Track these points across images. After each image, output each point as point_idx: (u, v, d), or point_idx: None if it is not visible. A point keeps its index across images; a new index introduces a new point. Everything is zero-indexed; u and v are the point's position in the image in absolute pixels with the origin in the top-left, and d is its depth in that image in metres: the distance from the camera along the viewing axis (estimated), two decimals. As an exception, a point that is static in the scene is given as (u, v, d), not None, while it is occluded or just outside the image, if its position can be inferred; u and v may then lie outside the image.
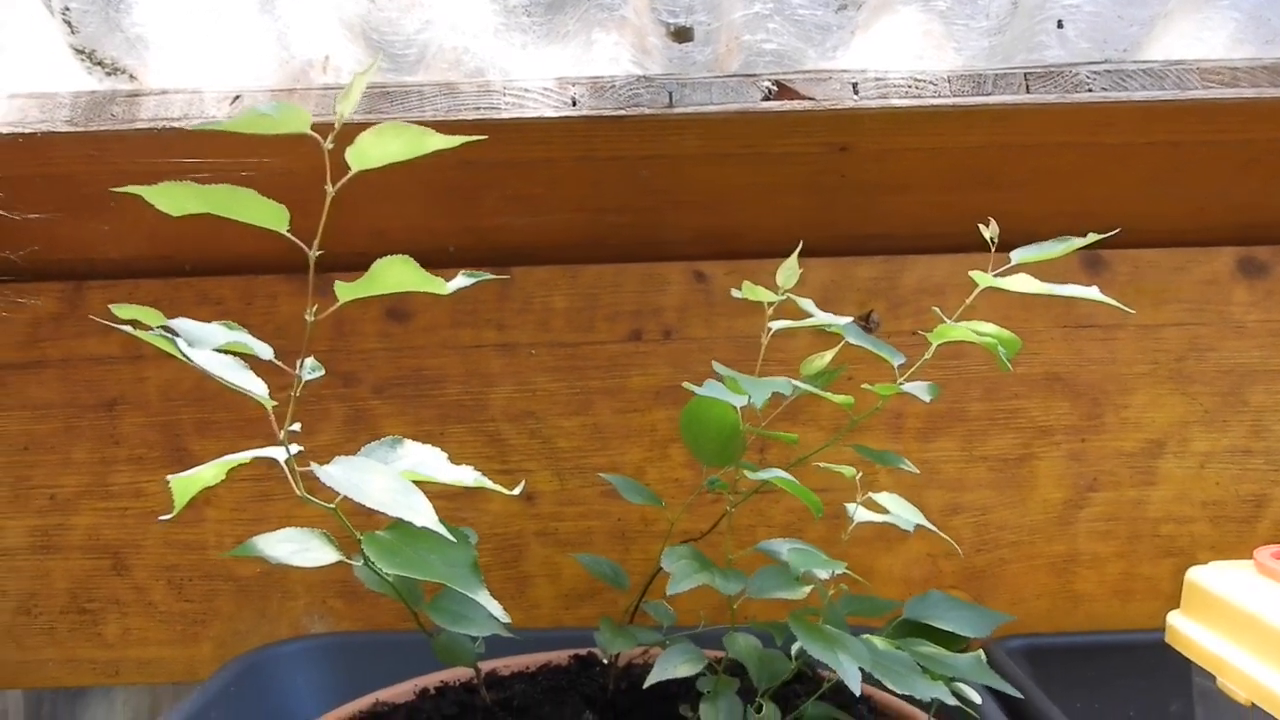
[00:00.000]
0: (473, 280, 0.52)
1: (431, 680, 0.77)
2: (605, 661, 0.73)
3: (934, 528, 0.54)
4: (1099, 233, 0.81)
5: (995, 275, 0.66)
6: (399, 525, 0.57)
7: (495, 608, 0.56)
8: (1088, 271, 0.88)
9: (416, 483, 0.53)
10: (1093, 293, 0.62)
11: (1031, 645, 0.80)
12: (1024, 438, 0.89)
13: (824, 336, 0.72)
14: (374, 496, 0.51)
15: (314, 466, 0.50)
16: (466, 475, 0.59)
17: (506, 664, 0.80)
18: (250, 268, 0.89)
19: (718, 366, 0.59)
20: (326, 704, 0.74)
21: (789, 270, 0.62)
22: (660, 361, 0.89)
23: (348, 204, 0.85)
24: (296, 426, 0.51)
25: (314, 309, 0.49)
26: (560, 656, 0.79)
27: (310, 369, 0.53)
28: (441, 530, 0.50)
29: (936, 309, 0.69)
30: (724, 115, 0.73)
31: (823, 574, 0.58)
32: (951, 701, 0.54)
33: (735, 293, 0.62)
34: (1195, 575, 0.57)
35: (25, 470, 0.89)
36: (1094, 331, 0.89)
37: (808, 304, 0.63)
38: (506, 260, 0.89)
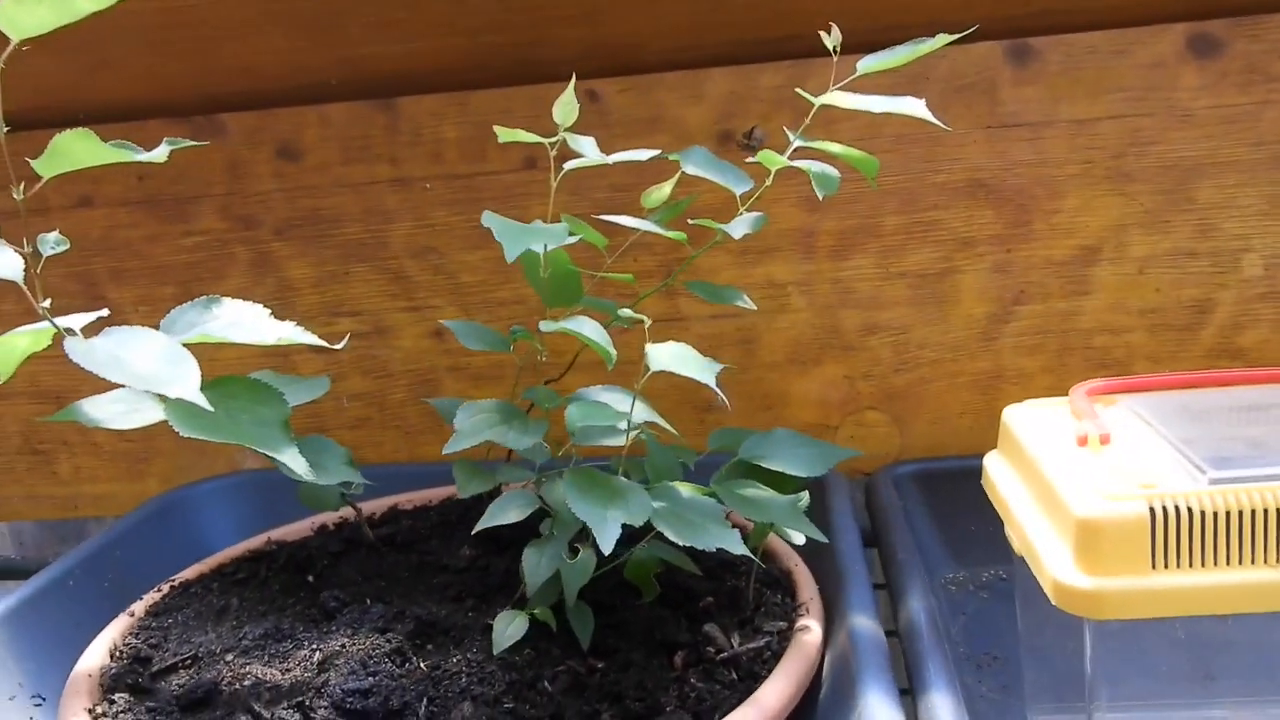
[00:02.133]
0: (173, 147, 0.49)
1: (331, 517, 0.79)
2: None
3: (716, 388, 0.51)
4: (1023, 18, 0.73)
5: (836, 89, 0.60)
6: (217, 382, 0.57)
7: (299, 465, 0.56)
8: (1013, 64, 0.80)
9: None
10: (917, 108, 0.56)
11: (923, 469, 0.78)
12: (944, 250, 0.84)
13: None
14: (136, 370, 0.51)
15: (67, 341, 0.50)
16: (282, 331, 0.58)
17: (410, 499, 0.82)
18: (140, 113, 0.87)
19: (487, 217, 0.55)
20: (237, 539, 0.78)
21: (566, 106, 0.58)
22: (559, 189, 0.85)
23: (211, 43, 0.83)
24: (48, 303, 0.51)
25: (21, 186, 0.48)
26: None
27: (54, 244, 0.52)
28: (201, 400, 0.50)
29: (784, 129, 0.64)
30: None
31: (621, 423, 0.57)
32: (739, 550, 0.53)
33: (501, 135, 0.58)
34: (1009, 414, 0.54)
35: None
36: (1020, 131, 0.81)
37: (585, 142, 0.59)
38: (391, 90, 0.85)
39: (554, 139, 0.59)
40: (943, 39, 0.58)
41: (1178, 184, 0.81)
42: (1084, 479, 0.44)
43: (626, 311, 0.56)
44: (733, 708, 0.52)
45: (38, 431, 0.94)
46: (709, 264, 0.85)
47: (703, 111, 0.83)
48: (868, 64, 0.60)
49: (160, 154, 0.48)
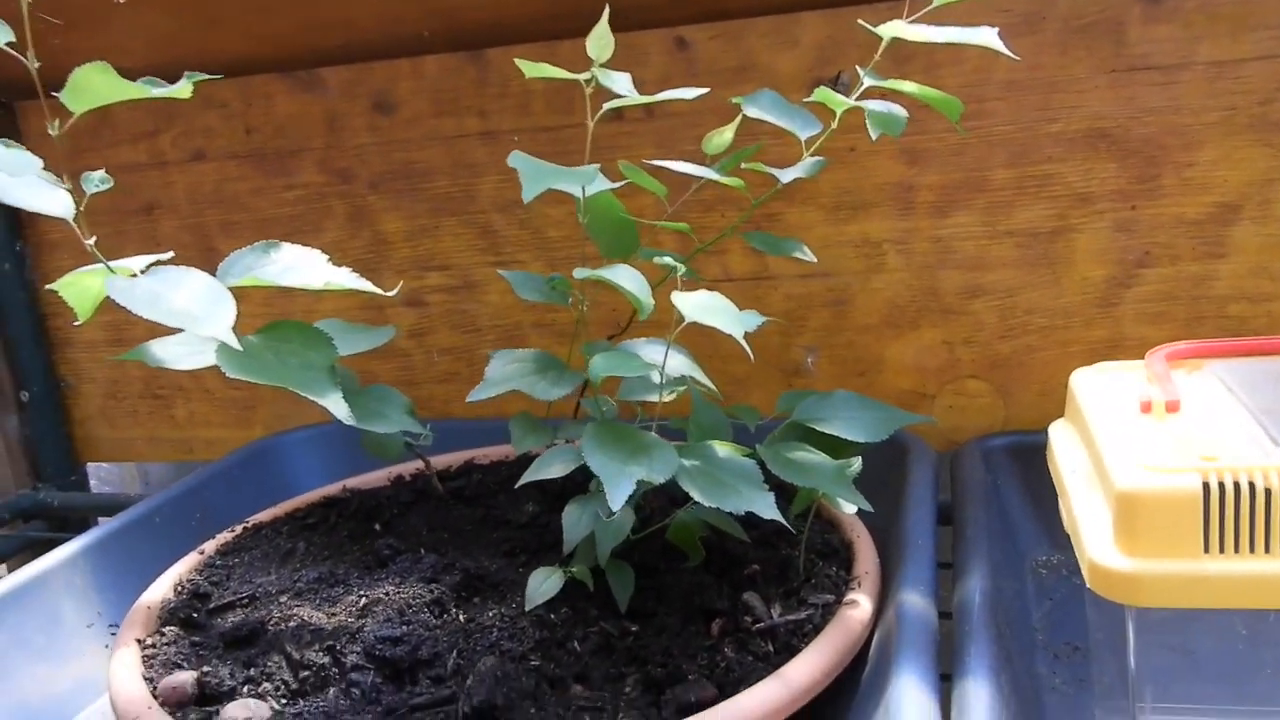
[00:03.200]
0: (192, 80, 0.49)
1: (408, 468, 0.80)
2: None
3: (742, 341, 0.48)
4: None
5: (910, 21, 0.55)
6: (272, 326, 0.58)
7: (340, 409, 0.56)
8: (1143, 0, 0.72)
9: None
10: (988, 37, 0.50)
11: (1018, 442, 0.71)
12: (1059, 207, 0.77)
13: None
14: (172, 307, 0.51)
15: (108, 280, 0.51)
16: (331, 275, 0.58)
17: (487, 454, 0.82)
18: (246, 68, 0.90)
19: (514, 157, 0.53)
20: (319, 484, 0.79)
21: (600, 40, 0.55)
22: (644, 141, 0.83)
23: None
24: (92, 240, 0.52)
25: (56, 123, 0.49)
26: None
27: (98, 182, 0.53)
28: (233, 341, 0.50)
29: (857, 67, 0.59)
30: None
31: (654, 375, 0.54)
32: (769, 515, 0.49)
33: (527, 70, 0.55)
34: (1077, 377, 0.48)
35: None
36: (1151, 75, 0.73)
37: (621, 78, 0.56)
38: (482, 41, 0.84)
39: (587, 76, 0.56)
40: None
41: (1335, 133, 0.71)
42: (1137, 449, 0.38)
43: (666, 258, 0.53)
44: (759, 680, 0.49)
45: (158, 377, 0.98)
46: (800, 220, 0.81)
47: (796, 58, 0.79)
48: (942, -6, 0.54)
49: (182, 89, 0.48)
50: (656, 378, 0.54)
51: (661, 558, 0.60)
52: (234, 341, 0.51)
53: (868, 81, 0.57)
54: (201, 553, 0.69)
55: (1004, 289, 0.79)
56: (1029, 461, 0.71)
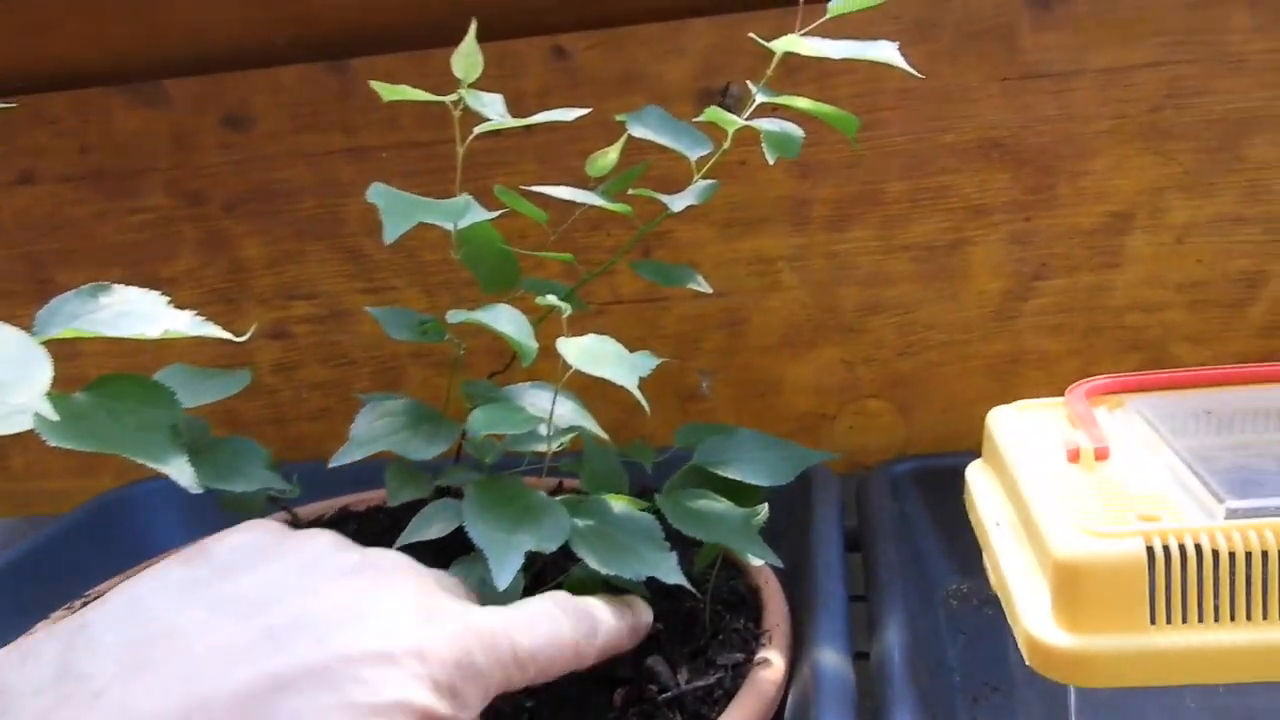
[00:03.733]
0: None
1: (281, 518, 0.73)
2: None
3: (636, 391, 0.43)
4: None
5: (803, 33, 0.51)
6: (104, 381, 0.51)
7: (184, 476, 0.49)
8: (1036, 6, 0.70)
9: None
10: (888, 52, 0.47)
11: (925, 466, 0.69)
12: (955, 220, 0.74)
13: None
14: (-24, 369, 0.44)
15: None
16: (172, 322, 0.51)
17: (364, 499, 0.76)
18: (79, 81, 0.81)
19: (374, 190, 0.48)
20: (176, 542, 0.72)
21: (467, 58, 0.50)
22: (524, 158, 0.78)
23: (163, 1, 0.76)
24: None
25: None
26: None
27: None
28: (47, 410, 0.43)
29: (749, 82, 0.55)
30: None
31: (542, 428, 0.49)
32: (673, 580, 0.45)
33: (384, 94, 0.50)
34: (995, 417, 0.45)
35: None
36: (1043, 83, 0.71)
37: (492, 100, 0.51)
38: (344, 51, 0.78)
39: (454, 97, 0.51)
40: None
41: (1224, 141, 0.70)
42: (1070, 506, 0.35)
43: (550, 297, 0.48)
44: (667, 759, 0.45)
45: (-8, 422, 0.89)
46: (691, 237, 0.77)
47: (682, 67, 0.75)
48: (840, 3, 0.51)
49: None
50: (543, 429, 0.49)
51: (556, 618, 0.55)
52: (48, 411, 0.44)
53: (760, 98, 0.54)
54: (33, 635, 0.61)
55: (903, 305, 0.76)
56: (935, 486, 0.69)
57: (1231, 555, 0.31)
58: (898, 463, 0.71)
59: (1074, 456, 0.37)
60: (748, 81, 0.55)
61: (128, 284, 0.47)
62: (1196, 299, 0.73)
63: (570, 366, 0.46)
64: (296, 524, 0.67)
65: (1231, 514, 0.32)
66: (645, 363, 0.45)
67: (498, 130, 0.68)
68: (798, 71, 0.73)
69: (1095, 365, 0.75)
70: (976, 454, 0.72)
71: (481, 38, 0.77)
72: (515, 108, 0.77)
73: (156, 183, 0.82)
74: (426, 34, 0.77)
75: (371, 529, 0.70)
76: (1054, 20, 0.70)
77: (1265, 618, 0.31)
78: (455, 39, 0.77)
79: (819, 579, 0.55)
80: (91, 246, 0.84)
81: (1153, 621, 0.32)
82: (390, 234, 0.44)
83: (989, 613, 0.63)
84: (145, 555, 0.71)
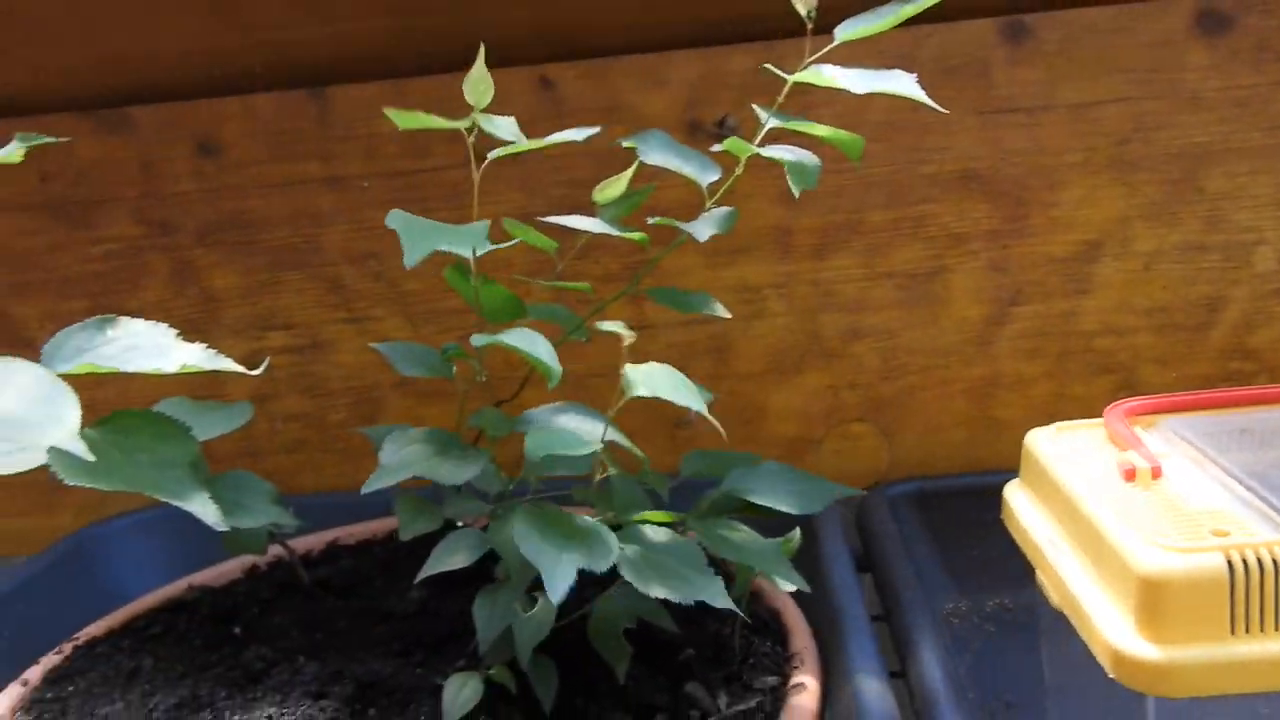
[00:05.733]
0: (26, 145, 0.41)
1: (263, 557, 0.71)
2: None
3: (707, 413, 0.44)
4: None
5: (808, 65, 0.53)
6: (114, 417, 0.49)
7: (208, 513, 0.47)
8: (1008, 43, 0.73)
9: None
10: (907, 85, 0.48)
11: (918, 489, 0.71)
12: (935, 248, 0.77)
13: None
14: (2, 412, 0.42)
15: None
16: (188, 356, 0.50)
17: (351, 532, 0.74)
18: (36, 107, 0.78)
19: (393, 216, 0.48)
20: (160, 582, 0.69)
21: (478, 83, 0.50)
22: (509, 186, 0.77)
23: (123, 27, 0.74)
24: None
25: None
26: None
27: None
28: (79, 449, 0.42)
29: (756, 106, 0.57)
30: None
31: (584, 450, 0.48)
32: (723, 605, 0.45)
33: (399, 121, 0.50)
34: (1034, 439, 0.47)
35: None
36: (1016, 117, 0.74)
37: (503, 123, 0.51)
38: (321, 79, 0.77)
39: (468, 123, 0.51)
40: (925, 2, 0.50)
41: (1186, 172, 0.74)
42: (1139, 523, 0.36)
43: (610, 325, 0.48)
44: (720, 787, 0.45)
45: (-65, 463, 0.84)
46: (677, 265, 0.77)
47: (666, 98, 0.76)
48: (847, 30, 0.52)
49: (11, 152, 0.39)
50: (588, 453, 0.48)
51: (583, 648, 0.55)
52: (83, 451, 0.43)
53: (771, 123, 0.55)
54: (25, 683, 0.58)
55: (885, 330, 0.78)
56: (930, 508, 0.71)
57: (1305, 567, 0.33)
58: (894, 485, 0.72)
59: (1130, 475, 0.39)
60: (756, 107, 0.56)
61: (88, 317, 0.46)
62: (1163, 323, 0.77)
63: (624, 396, 0.46)
64: (291, 558, 0.66)
65: (1300, 527, 0.34)
66: (703, 393, 0.46)
67: (483, 155, 0.68)
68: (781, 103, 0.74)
69: (1068, 388, 0.78)
70: (962, 475, 0.74)
71: (459, 67, 0.77)
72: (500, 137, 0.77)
73: (122, 212, 0.79)
74: (401, 63, 0.76)
75: (367, 563, 0.69)
76: (1025, 55, 0.74)
77: (1336, 625, 0.33)
78: (430, 69, 0.77)
79: (839, 600, 0.56)
80: (48, 279, 0.81)
81: (1233, 632, 0.33)
82: (411, 258, 0.44)
83: (990, 629, 0.64)
84: (120, 597, 0.68)
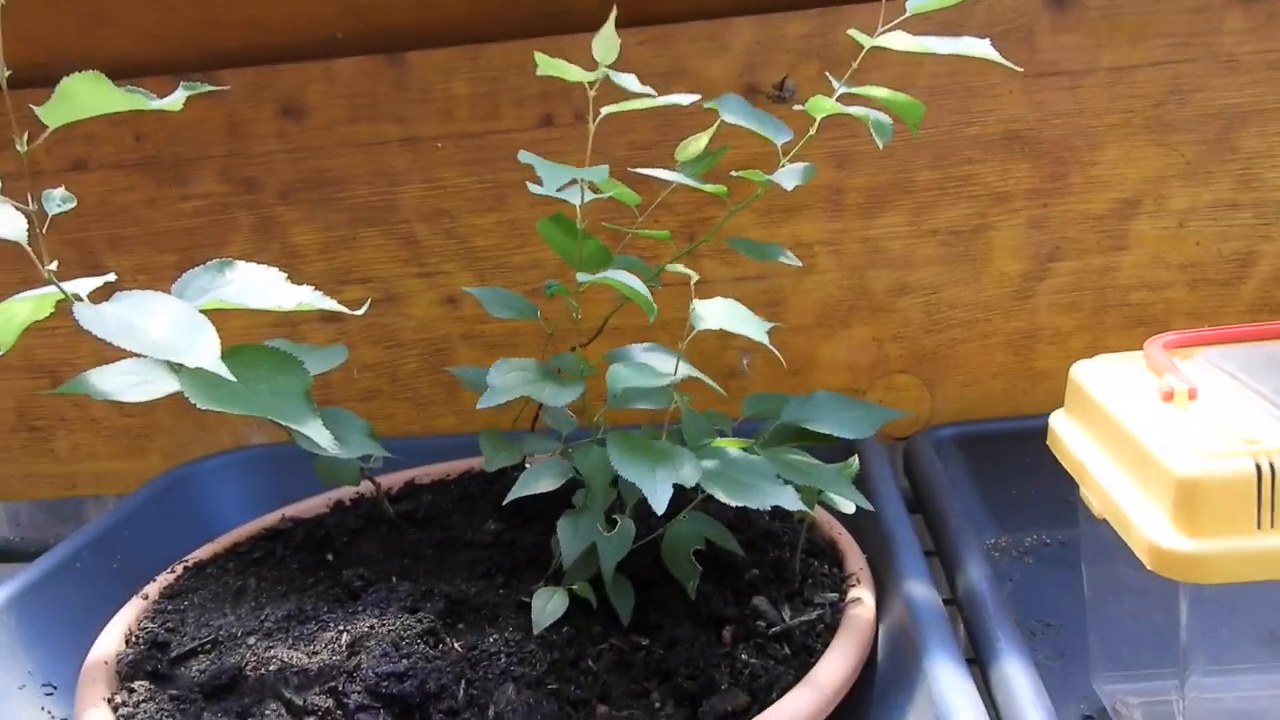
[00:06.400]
0: (190, 92, 0.46)
1: (346, 493, 0.76)
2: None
3: (770, 345, 0.49)
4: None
5: (882, 32, 0.57)
6: (234, 350, 0.54)
7: (324, 437, 0.53)
8: (1051, 9, 0.77)
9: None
10: (983, 48, 0.52)
11: (961, 432, 0.75)
12: (978, 206, 0.81)
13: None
14: (152, 338, 0.47)
15: (76, 308, 0.46)
16: (300, 296, 0.55)
17: (426, 472, 0.79)
18: (136, 70, 0.83)
19: (525, 154, 0.52)
20: (248, 517, 0.74)
21: (606, 41, 0.54)
22: (576, 148, 0.82)
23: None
24: (54, 265, 0.47)
25: (24, 136, 0.44)
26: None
27: (59, 201, 0.48)
28: (222, 370, 0.47)
29: (827, 74, 0.61)
30: None
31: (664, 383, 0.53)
32: (795, 506, 0.50)
33: (542, 65, 0.54)
34: (1079, 370, 0.51)
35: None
36: (1059, 80, 0.78)
37: (628, 79, 0.55)
38: (400, 44, 0.81)
39: (593, 77, 0.55)
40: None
41: (1220, 133, 0.78)
42: (1178, 437, 0.41)
43: (677, 266, 0.53)
44: (789, 684, 0.50)
45: (33, 407, 0.90)
46: (734, 224, 0.82)
47: (726, 63, 0.80)
48: (920, 3, 0.56)
49: (175, 101, 0.44)
50: (665, 384, 0.53)
51: (654, 568, 0.60)
52: (225, 371, 0.48)
53: (842, 89, 0.59)
54: (145, 597, 0.63)
55: (929, 286, 0.82)
56: (971, 450, 0.75)
57: (1324, 470, 0.37)
58: (938, 429, 0.76)
59: (1168, 396, 0.43)
60: (828, 75, 0.60)
61: (179, 269, 0.51)
62: (1196, 278, 0.80)
63: (692, 330, 0.51)
64: (377, 491, 0.71)
65: (1322, 436, 0.38)
66: (764, 324, 0.50)
67: (550, 117, 0.72)
68: (835, 68, 0.78)
69: (1104, 341, 0.82)
70: (1004, 420, 0.78)
71: (530, 33, 0.82)
72: (567, 100, 0.82)
73: (210, 170, 0.84)
74: (477, 30, 0.81)
75: (445, 498, 0.74)
76: (1069, 22, 0.77)
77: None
78: (503, 35, 0.82)
79: (891, 529, 0.61)
80: (142, 233, 0.86)
81: (1259, 526, 0.38)
82: (549, 186, 0.49)
83: (1030, 561, 0.69)
84: (212, 528, 0.74)
